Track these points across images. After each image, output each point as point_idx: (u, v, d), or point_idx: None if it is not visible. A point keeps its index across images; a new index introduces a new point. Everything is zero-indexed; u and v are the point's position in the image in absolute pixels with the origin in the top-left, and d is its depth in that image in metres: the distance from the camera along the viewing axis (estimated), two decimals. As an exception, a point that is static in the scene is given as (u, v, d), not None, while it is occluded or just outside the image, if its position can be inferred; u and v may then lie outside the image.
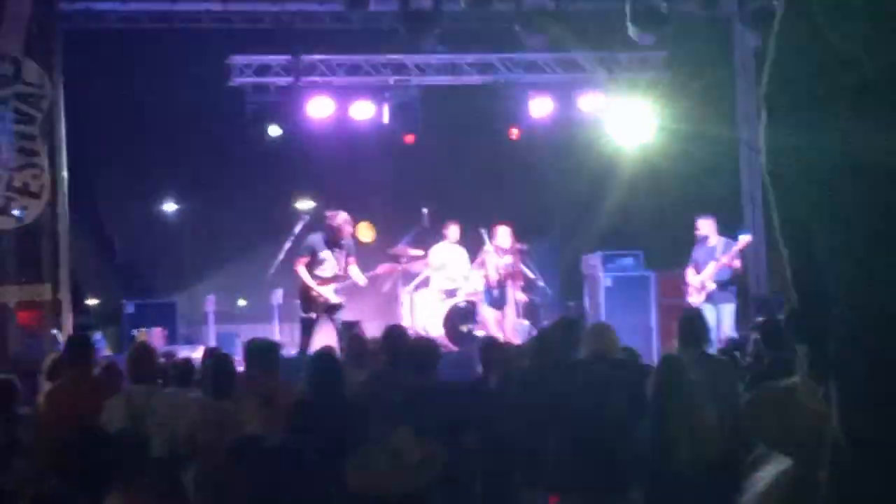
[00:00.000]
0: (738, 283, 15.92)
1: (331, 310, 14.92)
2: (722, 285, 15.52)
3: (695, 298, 15.56)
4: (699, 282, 15.55)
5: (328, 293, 14.89)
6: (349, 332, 12.57)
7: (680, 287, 16.49)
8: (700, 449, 8.13)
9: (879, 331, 1.10)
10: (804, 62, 1.14)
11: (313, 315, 14.91)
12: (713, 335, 14.50)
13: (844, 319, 1.15)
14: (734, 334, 14.54)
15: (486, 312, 16.10)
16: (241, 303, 16.07)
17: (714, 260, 15.50)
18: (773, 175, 1.18)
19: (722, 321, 15.24)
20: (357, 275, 15.09)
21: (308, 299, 14.95)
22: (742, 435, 7.50)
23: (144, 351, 9.34)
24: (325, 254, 14.96)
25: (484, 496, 7.71)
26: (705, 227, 15.82)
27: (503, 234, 16.25)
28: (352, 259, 15.09)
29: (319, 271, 14.95)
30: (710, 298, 15.42)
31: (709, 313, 15.38)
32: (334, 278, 14.95)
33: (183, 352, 14.38)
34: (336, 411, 7.60)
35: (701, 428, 8.16)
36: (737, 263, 15.58)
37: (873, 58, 1.06)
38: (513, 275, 16.29)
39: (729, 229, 16.07)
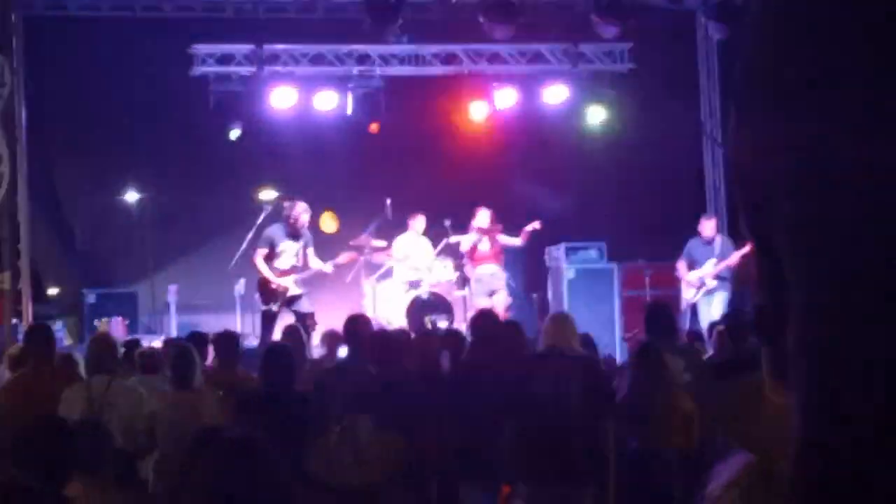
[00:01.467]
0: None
1: (291, 301, 14.87)
2: (718, 278, 15.55)
3: (689, 294, 15.59)
4: (697, 278, 15.55)
5: (288, 284, 14.84)
6: (303, 322, 12.55)
7: (643, 279, 16.54)
8: (677, 437, 8.17)
9: (830, 328, 1.08)
10: (783, 48, 1.10)
11: (273, 307, 14.86)
12: (704, 324, 14.60)
13: (796, 318, 1.12)
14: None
15: (482, 302, 15.96)
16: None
17: (714, 258, 15.50)
18: (739, 173, 1.16)
19: (712, 308, 15.26)
20: (317, 263, 15.04)
21: (267, 291, 14.90)
22: (706, 427, 7.53)
23: (105, 341, 9.28)
24: (284, 245, 14.91)
25: (439, 488, 7.70)
26: (709, 227, 15.81)
27: (483, 216, 16.25)
28: (310, 249, 15.05)
29: (278, 263, 14.91)
30: (707, 292, 15.50)
31: (704, 305, 15.44)
32: (293, 269, 14.91)
33: (145, 341, 14.32)
34: (287, 403, 7.57)
35: (678, 416, 8.19)
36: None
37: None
38: (496, 255, 16.33)
39: (692, 220, 16.09)
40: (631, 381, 8.26)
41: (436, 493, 7.63)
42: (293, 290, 14.87)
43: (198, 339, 10.20)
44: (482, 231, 16.31)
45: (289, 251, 14.91)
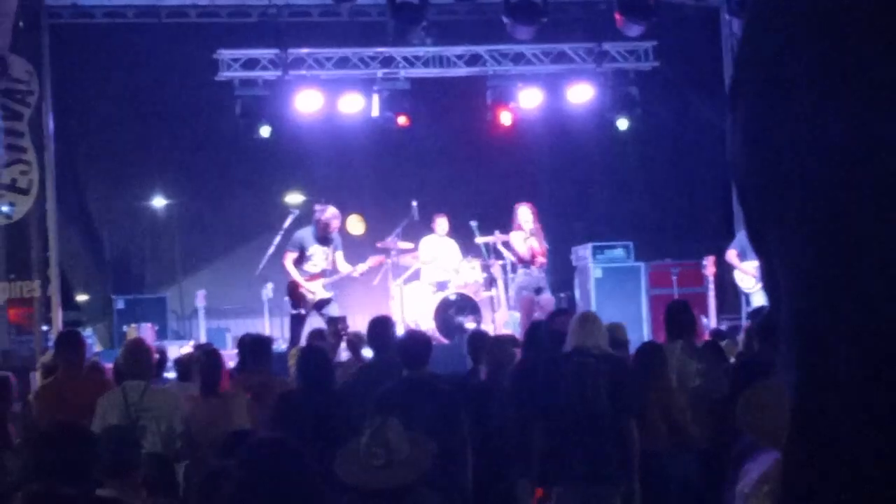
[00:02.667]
0: None
1: (320, 305, 14.90)
2: None
3: (748, 283, 15.45)
4: (754, 268, 15.28)
5: (317, 288, 14.87)
6: (334, 327, 12.55)
7: (670, 277, 16.50)
8: (678, 436, 8.18)
9: (811, 339, 1.09)
10: (773, 39, 1.11)
11: (302, 311, 14.90)
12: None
13: (783, 326, 1.13)
14: None
15: (528, 298, 15.84)
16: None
17: None
18: (735, 171, 1.17)
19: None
20: (346, 267, 15.07)
21: (296, 295, 14.93)
22: (729, 426, 7.52)
23: (139, 347, 9.32)
24: (314, 249, 14.93)
25: (475, 489, 7.71)
26: None
27: (524, 214, 15.95)
28: (339, 253, 15.08)
29: (308, 266, 14.94)
30: None
31: (760, 297, 15.25)
32: (322, 273, 14.93)
33: (173, 347, 14.40)
34: (323, 404, 7.60)
35: (676, 413, 8.21)
36: None
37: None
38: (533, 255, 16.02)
39: (719, 219, 16.06)
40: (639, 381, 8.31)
41: (466, 494, 7.65)
42: (322, 294, 14.90)
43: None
44: (531, 230, 16.00)
45: (318, 255, 14.94)
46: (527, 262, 15.83)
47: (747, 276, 15.52)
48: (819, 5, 1.08)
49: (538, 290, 15.89)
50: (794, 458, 1.13)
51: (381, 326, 9.54)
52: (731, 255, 15.68)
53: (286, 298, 15.18)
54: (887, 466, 1.04)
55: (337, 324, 13.39)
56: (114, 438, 6.28)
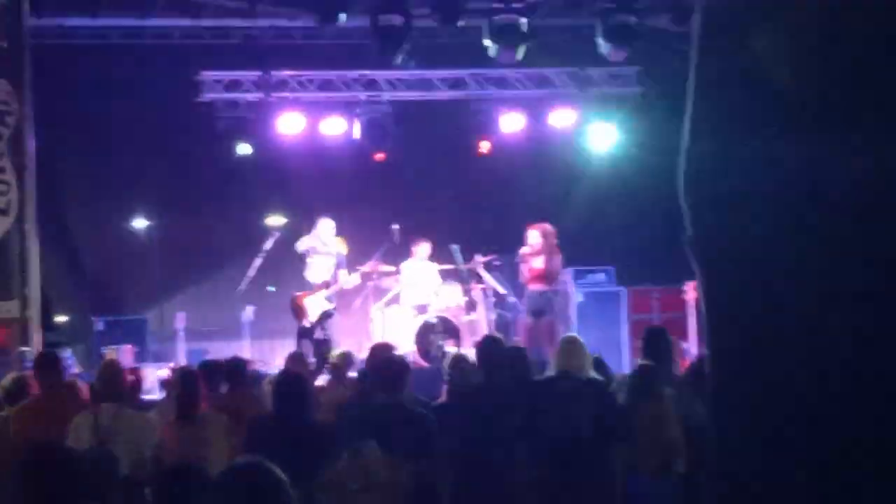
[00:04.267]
0: None
1: (323, 318, 15.29)
2: None
3: None
4: None
5: (319, 300, 15.23)
6: (319, 350, 12.60)
7: (650, 302, 16.50)
8: (667, 457, 8.16)
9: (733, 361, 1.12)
10: (728, 74, 1.13)
11: (305, 323, 15.43)
12: None
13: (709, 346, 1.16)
14: None
15: (526, 320, 15.85)
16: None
17: None
18: (689, 202, 1.18)
19: None
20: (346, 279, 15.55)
21: (298, 309, 15.30)
22: (704, 454, 7.49)
23: (113, 369, 9.26)
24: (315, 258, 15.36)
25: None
26: None
27: (533, 235, 15.94)
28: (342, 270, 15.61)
29: (311, 276, 15.36)
30: None
31: None
32: (324, 284, 15.25)
33: (151, 369, 14.40)
34: (299, 429, 7.54)
35: (668, 438, 8.19)
36: None
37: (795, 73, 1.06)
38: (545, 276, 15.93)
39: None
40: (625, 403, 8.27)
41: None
42: (325, 306, 15.12)
43: (211, 367, 10.16)
44: (529, 251, 15.94)
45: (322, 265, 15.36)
46: (527, 283, 15.90)
47: None
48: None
49: (537, 314, 15.80)
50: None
51: (377, 353, 9.55)
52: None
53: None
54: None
55: (321, 346, 13.47)
56: (89, 461, 6.23)
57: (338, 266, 15.47)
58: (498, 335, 11.36)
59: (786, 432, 1.09)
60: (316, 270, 15.49)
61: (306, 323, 15.27)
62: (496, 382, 8.49)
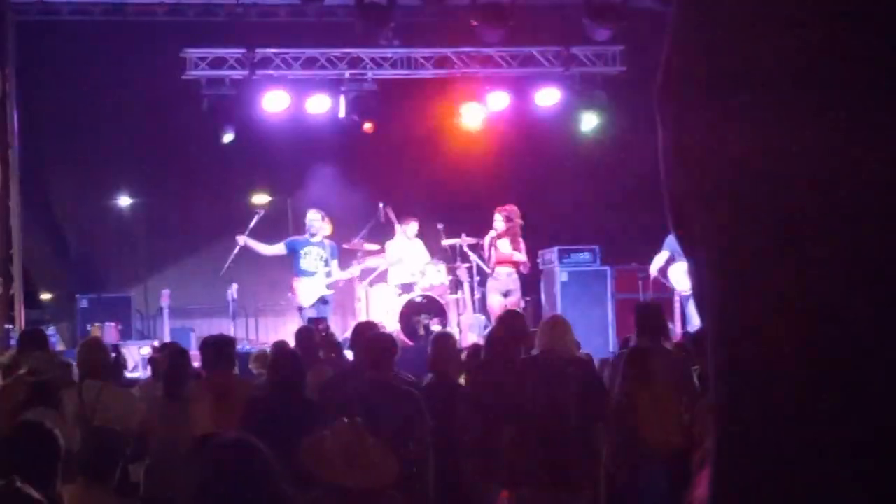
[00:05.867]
0: None
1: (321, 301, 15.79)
2: None
3: (685, 286, 15.25)
4: (683, 271, 15.15)
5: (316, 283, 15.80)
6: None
7: (636, 282, 16.51)
8: (666, 438, 8.17)
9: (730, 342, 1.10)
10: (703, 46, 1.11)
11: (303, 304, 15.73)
12: (695, 321, 14.52)
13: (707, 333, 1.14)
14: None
15: (496, 301, 15.96)
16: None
17: None
18: (663, 178, 1.16)
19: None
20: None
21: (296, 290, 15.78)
22: (694, 431, 7.53)
23: (95, 346, 9.25)
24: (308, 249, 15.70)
25: (437, 491, 7.69)
26: None
27: (498, 219, 16.08)
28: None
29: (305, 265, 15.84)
30: None
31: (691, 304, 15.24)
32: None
33: (134, 347, 14.42)
34: (293, 408, 7.56)
35: (666, 418, 8.19)
36: None
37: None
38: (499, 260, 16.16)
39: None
40: (619, 385, 8.26)
41: (428, 495, 7.63)
42: (323, 291, 15.68)
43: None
44: (498, 233, 16.07)
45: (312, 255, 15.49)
46: (494, 266, 15.95)
47: (682, 278, 15.34)
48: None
49: (506, 294, 15.96)
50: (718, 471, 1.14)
51: (363, 331, 9.55)
52: (659, 259, 15.56)
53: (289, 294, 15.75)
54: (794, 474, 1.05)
55: (318, 324, 13.47)
56: (72, 438, 6.25)
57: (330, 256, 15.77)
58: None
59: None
60: (310, 261, 15.78)
61: (304, 304, 15.67)
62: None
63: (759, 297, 1.05)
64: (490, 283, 16.14)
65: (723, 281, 1.09)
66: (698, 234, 1.13)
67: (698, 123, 1.10)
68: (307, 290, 15.72)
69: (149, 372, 11.65)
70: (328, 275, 15.74)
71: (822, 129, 1.01)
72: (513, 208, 16.04)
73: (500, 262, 16.07)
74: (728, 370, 1.09)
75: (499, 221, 15.96)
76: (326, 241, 15.95)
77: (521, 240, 16.12)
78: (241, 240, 15.62)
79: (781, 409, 1.04)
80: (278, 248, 15.90)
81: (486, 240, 16.07)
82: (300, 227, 16.26)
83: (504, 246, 16.00)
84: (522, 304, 16.25)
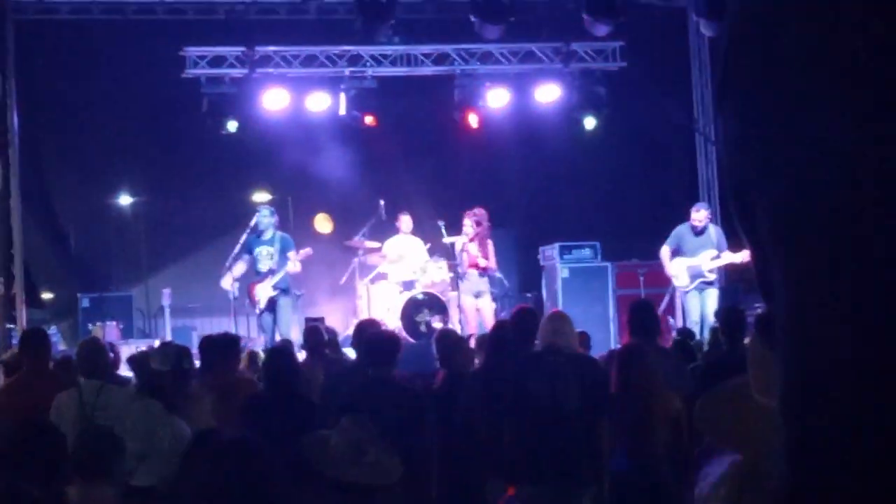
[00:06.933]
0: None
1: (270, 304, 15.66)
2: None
3: (682, 282, 15.20)
4: (688, 267, 15.05)
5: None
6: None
7: (637, 277, 16.50)
8: (662, 437, 8.16)
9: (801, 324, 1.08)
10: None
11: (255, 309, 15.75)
12: (701, 320, 14.50)
13: (777, 320, 1.12)
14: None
15: (468, 302, 16.02)
16: (233, 291, 16.07)
17: (711, 248, 15.05)
18: (728, 169, 1.15)
19: (708, 304, 14.99)
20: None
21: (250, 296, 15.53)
22: (692, 428, 7.53)
23: (95, 346, 9.25)
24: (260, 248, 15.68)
25: (445, 488, 7.69)
26: (701, 215, 15.35)
27: (468, 224, 16.17)
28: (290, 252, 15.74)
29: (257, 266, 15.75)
30: (699, 285, 15.07)
31: (694, 299, 15.22)
32: (270, 272, 15.34)
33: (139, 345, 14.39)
34: (291, 406, 7.56)
35: (663, 417, 8.19)
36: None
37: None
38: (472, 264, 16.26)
39: (685, 218, 15.98)
40: (615, 383, 8.24)
41: (430, 493, 7.63)
42: (270, 293, 15.31)
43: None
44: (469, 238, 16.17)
45: (263, 254, 15.32)
46: (466, 269, 16.04)
47: (682, 274, 15.28)
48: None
49: (477, 295, 16.06)
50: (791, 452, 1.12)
51: (365, 329, 9.53)
52: (665, 252, 15.44)
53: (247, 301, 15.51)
54: (874, 468, 1.03)
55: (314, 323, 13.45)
56: (77, 437, 6.24)
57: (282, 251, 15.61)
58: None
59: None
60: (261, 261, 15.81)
61: (256, 309, 15.74)
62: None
63: (828, 301, 1.04)
64: (462, 284, 16.19)
65: (790, 280, 1.08)
66: (763, 227, 1.12)
67: (765, 113, 1.09)
68: (260, 293, 15.67)
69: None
70: (272, 272, 15.61)
71: (892, 125, 1.00)
72: (481, 212, 16.08)
73: (471, 265, 16.17)
74: (797, 370, 1.08)
75: (468, 226, 16.05)
76: (278, 234, 15.76)
77: (489, 241, 16.21)
78: (227, 284, 15.66)
79: (857, 416, 1.03)
80: (246, 258, 15.83)
81: (458, 244, 16.16)
82: (300, 226, 16.24)
83: (473, 249, 16.10)
84: (495, 305, 16.39)
